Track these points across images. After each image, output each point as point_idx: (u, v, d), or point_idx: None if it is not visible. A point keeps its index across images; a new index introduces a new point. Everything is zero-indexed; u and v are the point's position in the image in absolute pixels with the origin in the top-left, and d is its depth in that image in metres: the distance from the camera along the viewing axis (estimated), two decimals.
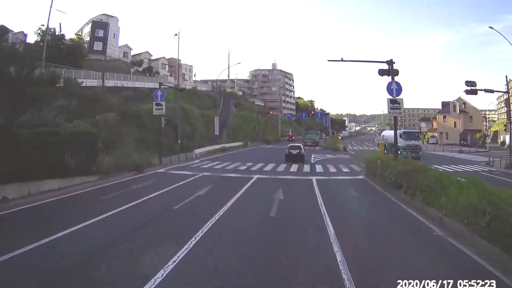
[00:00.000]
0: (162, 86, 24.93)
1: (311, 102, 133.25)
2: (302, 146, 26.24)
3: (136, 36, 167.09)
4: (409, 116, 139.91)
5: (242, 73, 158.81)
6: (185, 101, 49.68)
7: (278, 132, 65.01)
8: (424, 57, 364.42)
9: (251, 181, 15.18)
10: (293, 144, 26.86)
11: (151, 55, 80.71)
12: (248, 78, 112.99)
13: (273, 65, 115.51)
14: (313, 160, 26.08)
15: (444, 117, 56.38)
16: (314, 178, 16.09)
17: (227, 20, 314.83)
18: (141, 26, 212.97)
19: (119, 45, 72.60)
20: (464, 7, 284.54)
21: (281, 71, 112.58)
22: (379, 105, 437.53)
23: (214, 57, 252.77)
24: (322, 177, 16.63)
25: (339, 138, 38.73)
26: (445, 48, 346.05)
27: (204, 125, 46.52)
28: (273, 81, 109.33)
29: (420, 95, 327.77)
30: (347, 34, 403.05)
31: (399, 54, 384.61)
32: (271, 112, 50.88)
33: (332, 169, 20.03)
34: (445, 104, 56.80)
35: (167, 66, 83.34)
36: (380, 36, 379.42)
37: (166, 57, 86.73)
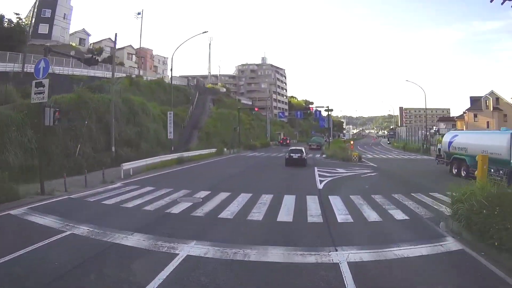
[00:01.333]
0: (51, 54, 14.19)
1: (306, 102, 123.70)
2: (304, 150, 24.20)
3: (99, 22, 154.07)
4: (424, 116, 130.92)
5: (228, 69, 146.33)
6: (144, 95, 39.48)
7: (267, 135, 54.93)
8: (427, 56, 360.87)
9: None
10: (295, 148, 24.89)
11: (115, 43, 70.54)
12: (234, 74, 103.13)
13: (263, 59, 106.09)
14: (320, 181, 15.92)
15: (475, 115, 46.97)
16: (344, 263, 5.89)
17: (211, 10, 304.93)
18: (106, 12, 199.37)
19: (75, 30, 63.15)
20: (465, 4, 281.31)
21: (272, 65, 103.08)
22: (377, 107, 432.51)
23: (196, 53, 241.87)
24: (363, 253, 6.41)
25: (351, 142, 28.36)
26: (447, 47, 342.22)
27: (165, 126, 36.37)
28: (262, 77, 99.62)
29: (426, 95, 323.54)
30: (346, 29, 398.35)
31: (401, 52, 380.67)
32: (256, 109, 40.70)
33: (370, 213, 9.66)
34: (474, 100, 47.61)
35: (134, 56, 73.28)
36: (383, 33, 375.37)
37: (135, 47, 76.81)
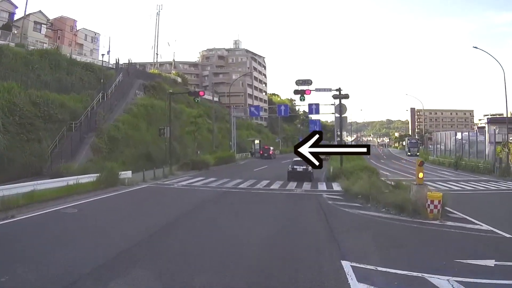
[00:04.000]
0: None
1: (292, 101, 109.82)
2: None
3: None
4: (435, 119, 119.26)
5: (189, 57, 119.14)
6: (10, 73, 23.77)
7: (231, 143, 39.05)
8: (432, 54, 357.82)
9: None
10: (299, 159, 16.97)
11: (16, 7, 53.92)
12: (197, 61, 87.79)
13: (236, 43, 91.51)
14: None
15: None
16: None
17: None
18: None
19: None
20: None
21: (247, 51, 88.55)
22: (373, 111, 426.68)
23: (148, 40, 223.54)
24: None
25: (419, 164, 14.25)
26: (456, 40, 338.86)
27: (32, 124, 20.66)
28: (234, 65, 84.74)
29: (434, 96, 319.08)
30: (342, 19, 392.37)
31: (401, 50, 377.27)
32: (202, 93, 25.23)
33: None
34: None
35: (45, 27, 56.66)
36: (384, 27, 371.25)
37: (51, 17, 60.34)
